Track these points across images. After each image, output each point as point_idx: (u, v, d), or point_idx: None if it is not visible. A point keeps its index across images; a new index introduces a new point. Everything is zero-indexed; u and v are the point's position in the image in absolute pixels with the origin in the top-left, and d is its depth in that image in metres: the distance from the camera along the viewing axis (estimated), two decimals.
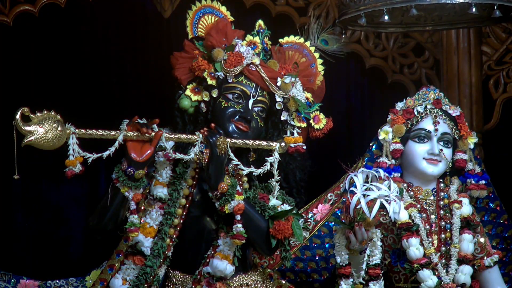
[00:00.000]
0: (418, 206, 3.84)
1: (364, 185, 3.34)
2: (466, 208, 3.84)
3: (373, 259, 3.52)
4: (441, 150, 3.84)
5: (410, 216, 3.78)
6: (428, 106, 3.91)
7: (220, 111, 3.29)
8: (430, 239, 3.79)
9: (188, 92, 3.30)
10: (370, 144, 4.01)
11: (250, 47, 3.30)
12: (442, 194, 3.93)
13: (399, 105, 3.95)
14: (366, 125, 4.67)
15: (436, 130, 3.88)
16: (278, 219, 3.21)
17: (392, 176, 3.78)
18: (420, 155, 3.87)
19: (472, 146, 3.96)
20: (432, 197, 3.91)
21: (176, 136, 3.03)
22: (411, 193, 3.89)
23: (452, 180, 3.94)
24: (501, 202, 4.07)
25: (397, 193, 3.46)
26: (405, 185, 3.86)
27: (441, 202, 3.90)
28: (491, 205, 4.09)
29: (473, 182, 3.93)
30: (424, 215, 3.85)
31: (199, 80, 3.29)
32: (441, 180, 3.95)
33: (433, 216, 3.85)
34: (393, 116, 3.93)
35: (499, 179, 4.20)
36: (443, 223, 3.84)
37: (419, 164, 3.87)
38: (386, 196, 3.37)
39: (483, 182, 3.93)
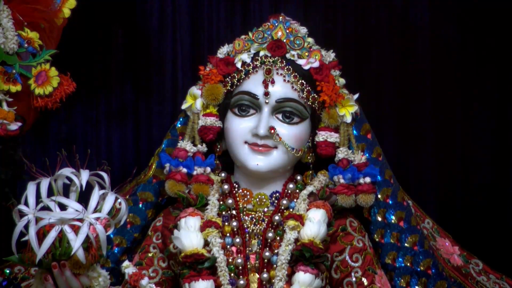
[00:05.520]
0: (227, 224, 2.42)
1: (41, 201, 2.07)
2: (309, 229, 2.33)
3: None
4: (273, 128, 2.40)
5: (206, 243, 2.36)
6: (261, 53, 2.47)
7: None
8: (243, 282, 2.37)
9: None
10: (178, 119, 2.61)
11: None
12: (285, 202, 2.45)
13: (223, 50, 2.52)
14: None
15: (267, 94, 2.43)
16: None
17: (195, 173, 2.43)
18: (241, 137, 2.42)
19: (349, 119, 2.50)
20: (269, 208, 2.45)
21: None
22: (230, 200, 2.45)
23: (315, 178, 2.47)
24: (409, 211, 2.54)
25: (109, 211, 2.10)
26: (213, 187, 2.44)
27: (276, 217, 2.41)
28: (391, 218, 2.52)
29: (342, 180, 2.44)
30: (238, 240, 2.42)
31: None
32: (297, 178, 2.49)
33: (255, 242, 2.42)
34: (207, 69, 2.50)
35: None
36: (267, 254, 2.40)
37: (239, 152, 2.42)
38: (76, 219, 2.05)
39: (368, 180, 2.42)
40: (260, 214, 2.43)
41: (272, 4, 3.02)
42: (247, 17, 3.05)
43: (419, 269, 2.48)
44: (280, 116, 2.41)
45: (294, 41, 2.44)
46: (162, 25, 3.04)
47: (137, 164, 2.81)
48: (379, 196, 2.48)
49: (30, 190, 2.08)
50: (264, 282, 2.36)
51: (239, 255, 2.38)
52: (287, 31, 2.46)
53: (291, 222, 2.35)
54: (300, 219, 2.35)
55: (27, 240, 2.06)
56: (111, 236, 2.50)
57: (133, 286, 2.17)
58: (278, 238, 2.39)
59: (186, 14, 3.05)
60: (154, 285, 2.31)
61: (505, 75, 3.04)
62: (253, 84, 2.42)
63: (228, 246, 2.39)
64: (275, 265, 2.34)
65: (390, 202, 2.50)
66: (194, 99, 2.48)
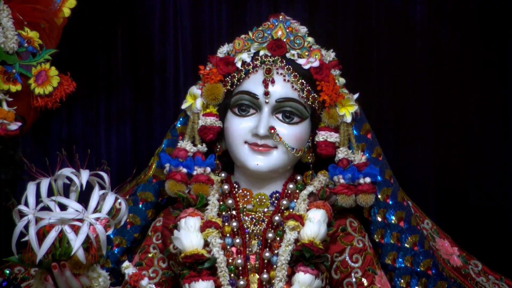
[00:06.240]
0: (227, 224, 2.41)
1: (41, 201, 2.06)
2: (309, 229, 2.32)
3: None
4: (273, 128, 2.39)
5: (206, 243, 2.35)
6: (261, 53, 2.46)
7: None
8: (243, 283, 2.36)
9: None
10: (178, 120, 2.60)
11: None
12: (285, 202, 2.44)
13: (223, 49, 2.51)
14: None
15: (267, 93, 2.42)
16: None
17: (195, 173, 2.42)
18: (241, 137, 2.41)
19: (349, 119, 2.49)
20: (269, 208, 2.44)
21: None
22: (230, 200, 2.44)
23: (315, 178, 2.46)
24: (409, 212, 2.54)
25: (109, 211, 2.09)
26: (213, 187, 2.42)
27: (276, 218, 2.41)
28: (391, 218, 2.51)
29: (342, 180, 2.42)
30: (238, 240, 2.41)
31: None
32: (297, 178, 2.49)
33: (255, 243, 2.41)
34: (207, 69, 2.49)
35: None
36: (267, 254, 2.39)
37: (239, 151, 2.41)
38: (76, 219, 2.04)
39: (368, 180, 2.40)
40: (260, 214, 2.43)
41: (272, 4, 3.02)
42: (247, 17, 3.05)
43: (419, 269, 2.47)
44: (280, 116, 2.40)
45: (294, 40, 2.44)
46: (164, 25, 3.03)
47: (137, 165, 2.81)
48: (379, 196, 2.48)
49: (30, 190, 2.08)
50: (264, 283, 2.36)
51: (239, 255, 2.38)
52: (287, 30, 2.46)
53: (291, 223, 2.34)
54: (300, 219, 2.34)
55: (27, 240, 2.05)
56: (111, 236, 2.49)
57: (133, 286, 2.17)
58: (278, 238, 2.38)
59: (187, 14, 3.04)
60: (154, 285, 2.31)
61: (506, 75, 3.04)
62: (253, 84, 2.41)
63: (228, 247, 2.38)
64: (275, 266, 2.34)
65: (390, 202, 2.49)
66: (194, 99, 2.47)
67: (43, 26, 2.46)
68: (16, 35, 2.42)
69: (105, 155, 3.00)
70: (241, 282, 2.36)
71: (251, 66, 2.42)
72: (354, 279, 2.40)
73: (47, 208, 2.06)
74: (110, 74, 3.02)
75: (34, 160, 2.24)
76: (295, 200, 2.42)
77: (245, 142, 2.40)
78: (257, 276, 2.37)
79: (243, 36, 2.50)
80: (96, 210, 2.09)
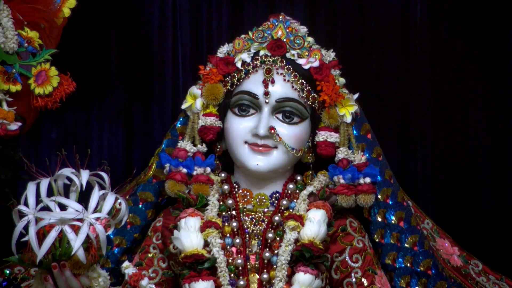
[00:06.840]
0: (227, 224, 2.41)
1: (41, 201, 2.05)
2: (309, 229, 2.33)
3: None
4: (273, 128, 2.39)
5: (206, 243, 2.35)
6: (261, 53, 2.46)
7: None
8: (243, 283, 2.37)
9: None
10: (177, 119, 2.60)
11: None
12: (285, 202, 2.44)
13: (223, 49, 2.51)
14: None
15: (267, 93, 2.43)
16: None
17: (195, 173, 2.42)
18: (241, 137, 2.42)
19: (349, 119, 2.51)
20: (269, 208, 2.45)
21: None
22: (230, 201, 2.44)
23: (315, 178, 2.46)
24: (409, 212, 2.53)
25: (109, 211, 2.08)
26: (213, 187, 2.42)
27: (276, 218, 2.41)
28: (391, 218, 2.51)
29: (342, 180, 2.42)
30: (238, 240, 2.41)
31: None
32: (297, 178, 2.49)
33: (255, 243, 2.41)
34: (207, 69, 2.49)
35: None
36: (267, 254, 2.40)
37: (239, 152, 2.42)
38: (76, 219, 2.03)
39: (368, 180, 2.40)
40: (260, 214, 2.43)
41: (272, 4, 3.02)
42: (247, 17, 3.05)
43: (419, 269, 2.47)
44: (280, 116, 2.40)
45: (294, 40, 2.44)
46: (163, 25, 3.03)
47: (138, 165, 2.81)
48: (379, 196, 2.48)
49: (30, 190, 2.07)
50: (264, 283, 2.35)
51: (239, 255, 2.38)
52: (287, 30, 2.46)
53: (291, 223, 2.34)
54: (300, 219, 2.34)
55: (27, 240, 2.05)
56: (111, 236, 2.49)
57: (133, 286, 2.17)
58: (278, 238, 2.38)
59: (186, 14, 3.04)
60: (154, 285, 2.31)
61: (506, 75, 3.04)
62: (253, 84, 2.41)
63: (228, 247, 2.38)
64: (275, 266, 2.33)
65: (390, 202, 2.49)
66: (194, 99, 2.47)
67: (43, 26, 2.45)
68: (16, 35, 2.41)
69: (105, 155, 3.00)
70: (241, 282, 2.36)
71: (251, 66, 2.42)
72: (354, 279, 2.40)
73: (47, 208, 2.06)
74: (108, 74, 3.01)
75: (33, 160, 2.24)
76: (295, 200, 2.42)
77: (245, 142, 2.40)
78: (257, 276, 2.37)
79: (243, 36, 2.50)
80: (96, 210, 2.08)
